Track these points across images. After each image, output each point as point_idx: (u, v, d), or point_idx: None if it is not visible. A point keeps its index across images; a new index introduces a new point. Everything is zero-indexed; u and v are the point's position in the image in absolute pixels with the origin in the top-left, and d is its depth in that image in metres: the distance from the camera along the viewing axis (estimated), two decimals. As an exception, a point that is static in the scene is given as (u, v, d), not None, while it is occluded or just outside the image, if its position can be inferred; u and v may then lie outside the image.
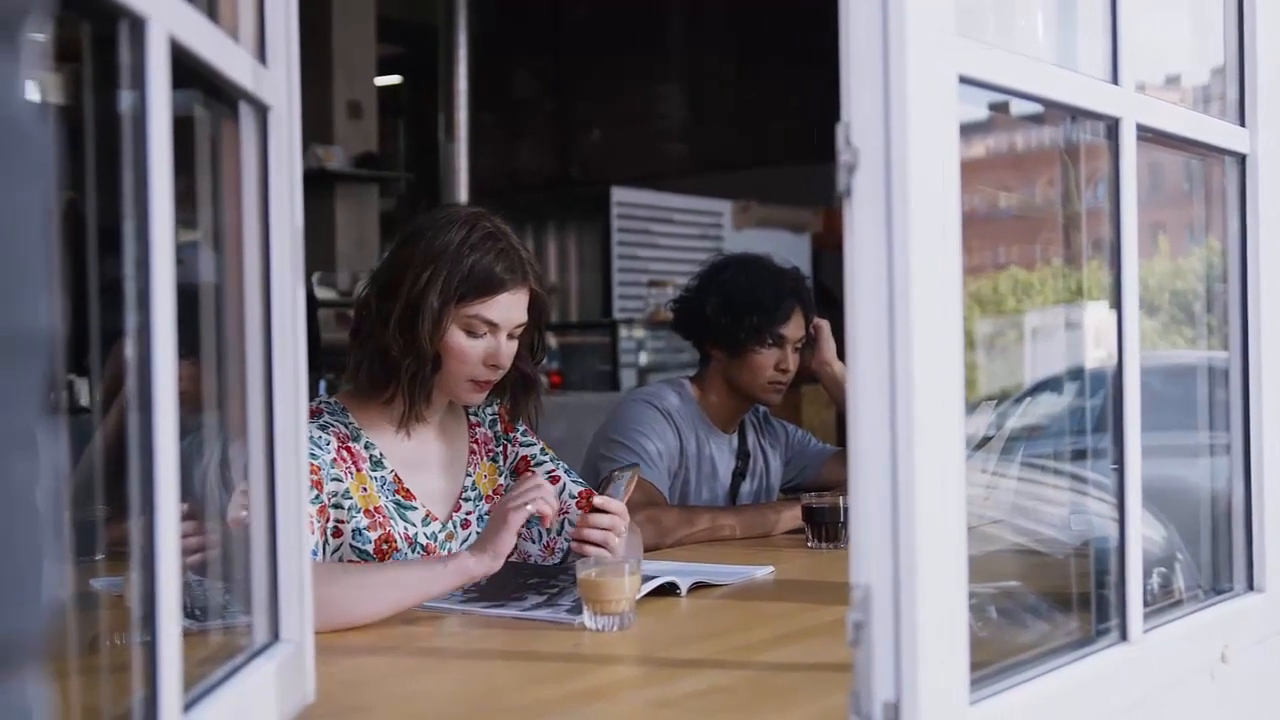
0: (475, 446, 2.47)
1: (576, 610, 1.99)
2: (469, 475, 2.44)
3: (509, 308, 2.29)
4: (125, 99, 1.05)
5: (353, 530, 2.24)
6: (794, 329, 3.13)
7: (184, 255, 1.15)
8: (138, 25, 1.03)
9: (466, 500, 2.42)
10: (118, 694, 1.21)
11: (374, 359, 2.29)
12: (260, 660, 1.37)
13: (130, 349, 1.05)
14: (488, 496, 2.44)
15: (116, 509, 1.19)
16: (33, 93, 0.63)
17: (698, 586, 2.29)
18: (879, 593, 1.22)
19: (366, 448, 2.31)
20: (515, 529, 2.06)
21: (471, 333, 2.27)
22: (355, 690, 1.70)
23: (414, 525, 2.31)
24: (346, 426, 2.30)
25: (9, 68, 0.60)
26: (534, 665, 1.81)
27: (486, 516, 2.40)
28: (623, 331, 7.82)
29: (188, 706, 1.13)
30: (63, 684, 0.97)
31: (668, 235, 8.53)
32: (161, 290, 1.05)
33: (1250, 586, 1.90)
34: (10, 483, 0.59)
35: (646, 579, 2.12)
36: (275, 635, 1.43)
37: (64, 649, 1.13)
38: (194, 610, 1.41)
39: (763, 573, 2.46)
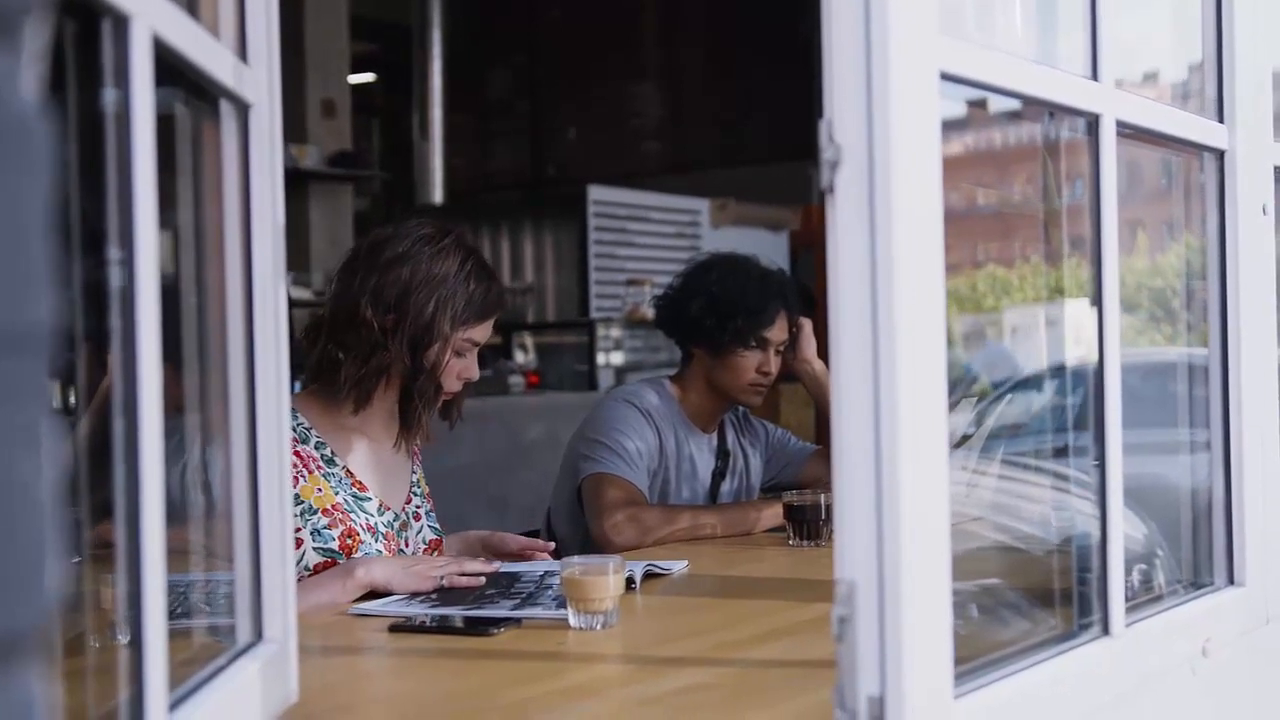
0: (415, 449, 2.60)
1: (563, 604, 1.98)
2: (414, 473, 2.58)
3: (490, 329, 2.48)
4: (108, 97, 1.05)
5: (312, 532, 2.31)
6: (778, 332, 3.14)
7: (163, 255, 1.15)
8: (121, 23, 1.03)
9: (415, 494, 2.55)
10: (100, 695, 1.20)
11: (375, 375, 2.38)
12: (244, 660, 1.37)
13: (114, 350, 1.05)
14: (426, 495, 2.60)
15: (96, 510, 1.19)
16: (33, 90, 0.62)
17: (649, 576, 2.34)
18: (863, 587, 1.22)
19: (317, 448, 2.39)
20: (411, 588, 2.20)
21: (458, 353, 2.42)
22: (339, 690, 1.70)
23: (371, 515, 2.41)
24: (294, 429, 2.33)
25: (9, 65, 0.60)
26: (517, 664, 1.81)
27: (431, 513, 2.57)
28: (600, 331, 7.81)
29: (172, 706, 1.13)
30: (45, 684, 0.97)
31: (645, 234, 8.52)
32: (146, 290, 1.05)
33: (1230, 581, 1.91)
34: (15, 477, 0.59)
35: None
36: (259, 635, 1.43)
37: (49, 649, 1.12)
38: (174, 610, 1.41)
39: (678, 567, 2.47)
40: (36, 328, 0.61)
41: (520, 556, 2.53)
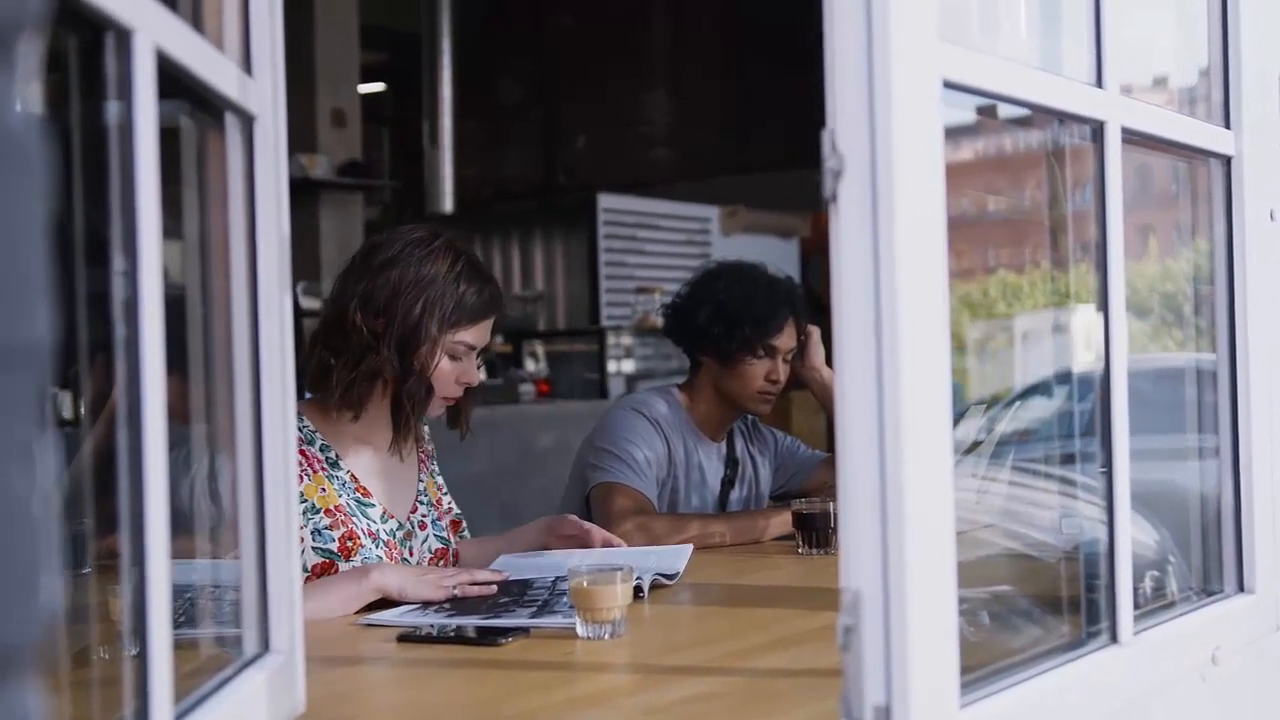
0: (423, 457, 2.60)
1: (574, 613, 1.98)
2: (421, 481, 2.57)
3: (487, 332, 2.47)
4: (111, 110, 1.05)
5: (313, 531, 2.32)
6: (786, 340, 3.13)
7: (169, 266, 1.15)
8: (124, 36, 1.03)
9: (422, 503, 2.55)
10: (108, 706, 1.21)
11: (366, 379, 2.37)
12: (250, 671, 1.37)
13: (118, 361, 1.05)
14: (435, 503, 2.58)
15: (104, 522, 1.19)
16: (28, 104, 0.63)
17: (656, 586, 2.33)
18: (869, 596, 1.22)
19: (322, 450, 2.40)
20: (424, 596, 2.20)
21: (453, 356, 2.41)
22: (345, 701, 1.70)
23: (374, 522, 2.41)
24: (300, 430, 2.34)
25: (4, 81, 0.60)
26: (526, 674, 1.81)
27: (438, 521, 2.56)
28: (610, 339, 7.81)
29: (178, 717, 1.13)
30: (54, 696, 0.97)
31: (655, 241, 8.52)
32: (150, 302, 1.05)
33: (1240, 588, 1.90)
34: (10, 492, 0.59)
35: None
36: (265, 646, 1.43)
37: (55, 661, 1.12)
38: (180, 618, 1.41)
39: (685, 554, 2.51)
40: (33, 343, 0.61)
41: (583, 542, 2.55)
